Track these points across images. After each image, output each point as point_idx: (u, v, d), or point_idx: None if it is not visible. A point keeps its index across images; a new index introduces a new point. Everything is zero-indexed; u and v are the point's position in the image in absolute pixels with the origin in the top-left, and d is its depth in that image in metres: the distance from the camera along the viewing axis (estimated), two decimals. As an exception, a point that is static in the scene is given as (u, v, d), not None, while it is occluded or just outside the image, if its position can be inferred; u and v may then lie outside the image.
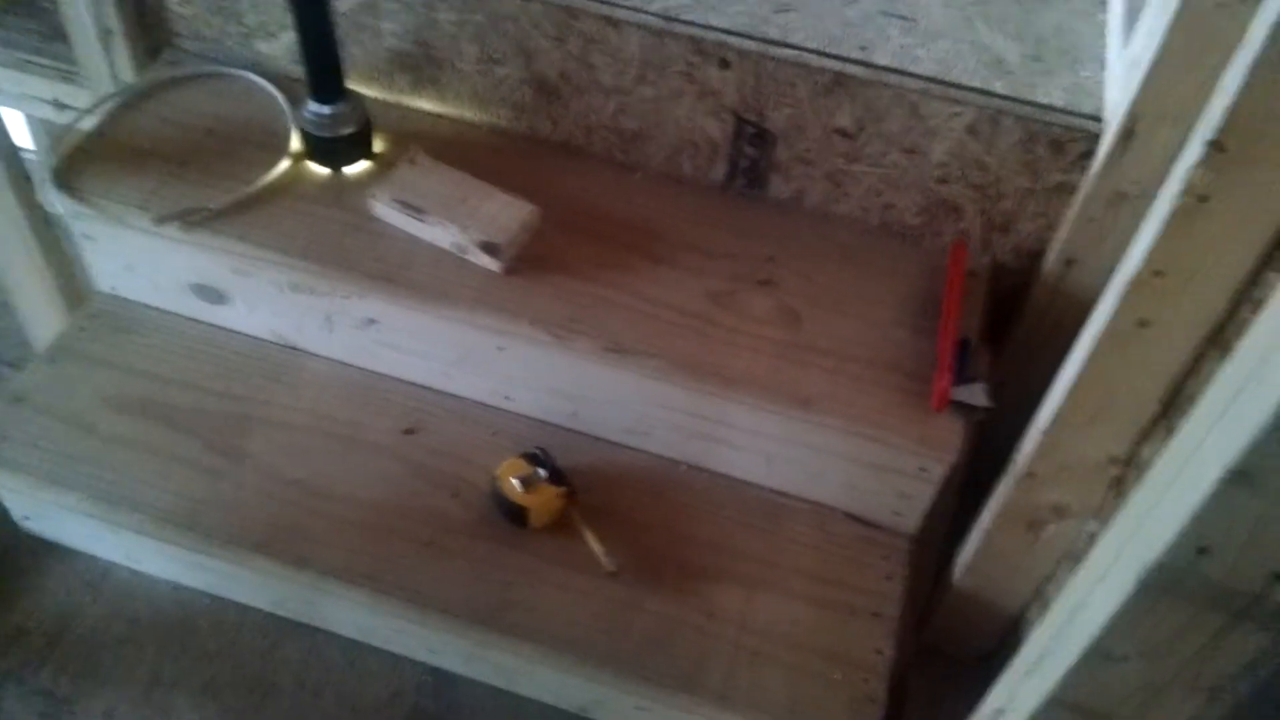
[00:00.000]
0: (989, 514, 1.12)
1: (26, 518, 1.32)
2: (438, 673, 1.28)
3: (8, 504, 1.32)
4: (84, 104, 1.37)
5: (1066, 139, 1.12)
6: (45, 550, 1.34)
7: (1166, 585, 0.64)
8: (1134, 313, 0.87)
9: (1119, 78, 1.10)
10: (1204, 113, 0.77)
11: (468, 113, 1.33)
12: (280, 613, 1.30)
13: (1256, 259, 0.79)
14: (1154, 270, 0.84)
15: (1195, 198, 0.78)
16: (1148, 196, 1.07)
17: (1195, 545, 0.61)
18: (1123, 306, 0.87)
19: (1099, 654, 0.71)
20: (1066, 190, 1.16)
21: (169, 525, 1.19)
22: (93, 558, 1.34)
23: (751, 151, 1.25)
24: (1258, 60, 0.71)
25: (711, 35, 1.16)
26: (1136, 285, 0.85)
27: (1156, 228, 0.82)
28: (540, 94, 1.28)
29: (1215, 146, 0.75)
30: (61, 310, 1.41)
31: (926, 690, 1.28)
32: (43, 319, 1.44)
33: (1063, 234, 1.16)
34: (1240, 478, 0.56)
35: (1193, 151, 0.77)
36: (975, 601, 1.21)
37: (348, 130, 1.24)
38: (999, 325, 1.28)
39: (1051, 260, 1.18)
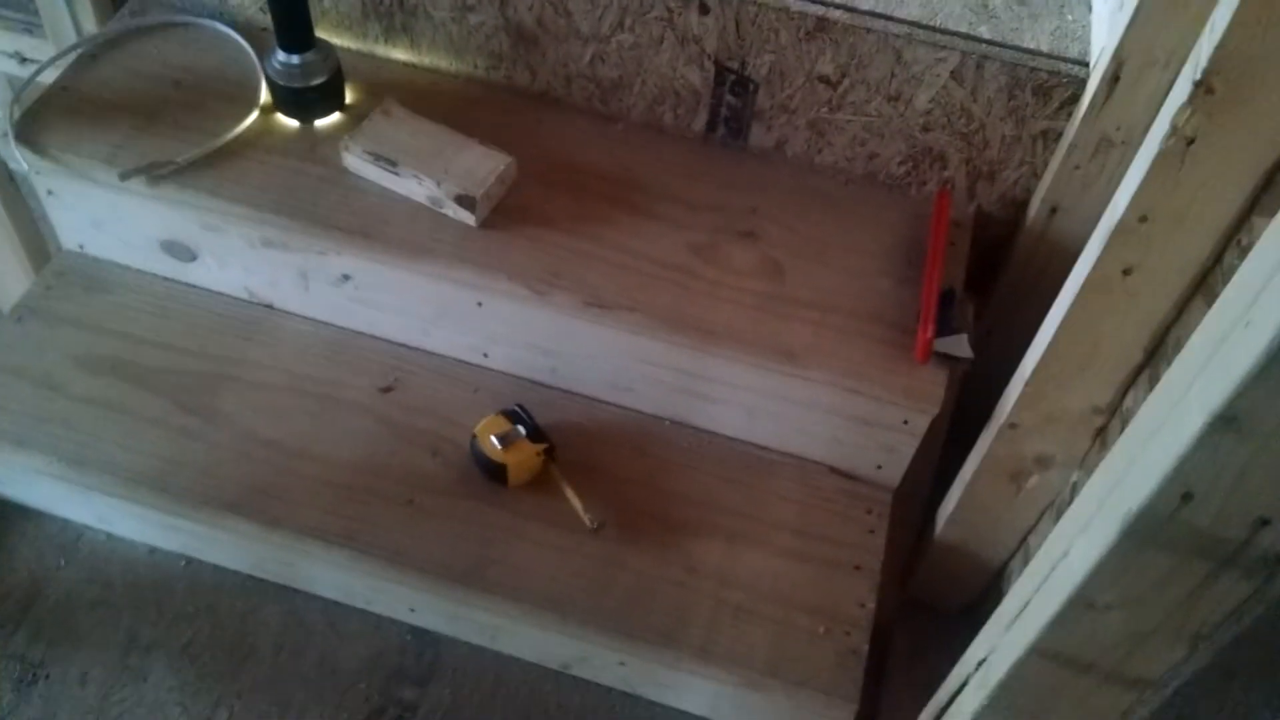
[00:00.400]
0: (971, 465, 1.12)
1: (-2, 481, 1.30)
2: (419, 632, 1.27)
3: (-23, 467, 1.29)
4: (47, 57, 1.33)
5: (1051, 84, 1.10)
6: (16, 514, 1.33)
7: (1150, 533, 0.63)
8: (1118, 260, 0.86)
9: (1104, 21, 1.08)
10: (1191, 54, 0.75)
11: (443, 62, 1.30)
12: (258, 574, 1.28)
13: (1243, 203, 0.78)
14: (1139, 215, 0.82)
15: (1182, 140, 0.76)
16: (1133, 143, 1.05)
17: (1179, 492, 0.60)
18: (1106, 253, 0.85)
19: (1081, 603, 0.70)
20: (1052, 137, 1.14)
21: (140, 486, 1.17)
22: (65, 521, 1.32)
23: (733, 100, 1.22)
24: (1242, 4, 0.68)
25: (690, -21, 1.13)
26: (1121, 231, 0.83)
27: (1142, 172, 0.80)
28: (517, 42, 1.25)
29: (1202, 87, 0.73)
30: (27, 270, 1.38)
31: (910, 643, 1.28)
32: (7, 280, 1.41)
33: (1047, 181, 1.14)
34: (1226, 423, 0.55)
35: (1180, 93, 0.75)
36: (958, 554, 1.20)
37: (318, 81, 1.21)
38: (985, 274, 1.27)
39: (1036, 208, 1.17)
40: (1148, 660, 0.73)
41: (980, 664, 0.88)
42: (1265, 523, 0.60)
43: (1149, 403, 0.65)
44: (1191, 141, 0.76)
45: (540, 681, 1.25)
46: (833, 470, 1.23)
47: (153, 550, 1.31)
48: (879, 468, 1.21)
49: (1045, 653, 0.76)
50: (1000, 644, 0.83)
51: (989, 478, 1.10)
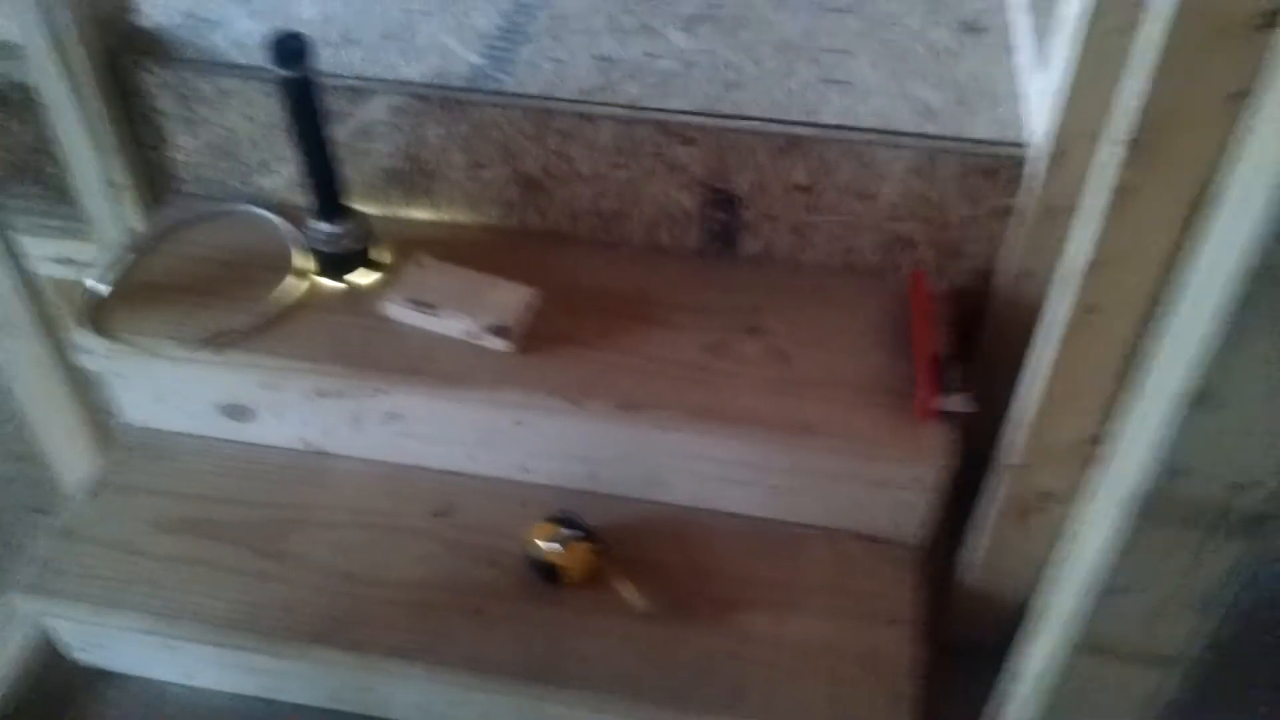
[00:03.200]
0: (989, 510, 1.23)
1: (79, 649, 1.38)
2: (495, 740, 1.34)
3: (61, 637, 1.37)
4: (92, 257, 1.47)
5: (996, 166, 1.26)
6: (100, 679, 1.40)
7: (1149, 510, 0.74)
8: (1084, 301, 0.99)
9: (1037, 108, 1.25)
10: (1117, 118, 0.91)
11: (461, 216, 1.46)
12: (336, 706, 1.36)
13: (1178, 234, 0.92)
14: (1094, 260, 0.96)
15: (1123, 191, 0.91)
16: (1075, 206, 1.21)
17: (1168, 467, 0.72)
18: (1072, 297, 0.99)
19: (1104, 589, 0.81)
20: (1003, 212, 1.30)
21: (228, 630, 1.26)
22: (147, 680, 1.39)
23: (721, 215, 1.38)
24: (1158, 63, 0.84)
25: (675, 118, 1.30)
26: (1082, 275, 0.97)
27: (1095, 223, 0.94)
28: (526, 190, 1.40)
29: (1132, 144, 0.88)
30: (91, 453, 1.49)
31: (947, 689, 1.36)
32: (72, 464, 1.51)
33: (1006, 250, 1.30)
34: (1193, 398, 0.67)
35: (1115, 151, 0.91)
36: (983, 596, 1.30)
37: (353, 243, 1.35)
38: (965, 342, 1.41)
39: (1001, 276, 1.32)
40: (1165, 634, 0.83)
41: (1017, 677, 0.98)
42: (1240, 487, 0.72)
43: (1135, 403, 0.77)
44: (1130, 191, 0.91)
45: (616, 771, 1.32)
46: (859, 535, 1.34)
47: (233, 697, 1.38)
48: (899, 525, 1.32)
49: (1072, 645, 0.86)
50: (1036, 650, 0.93)
51: (1006, 520, 1.21)
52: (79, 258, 1.66)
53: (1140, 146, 0.87)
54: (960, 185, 1.29)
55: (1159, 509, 0.75)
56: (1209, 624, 0.82)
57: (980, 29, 1.46)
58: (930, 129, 1.29)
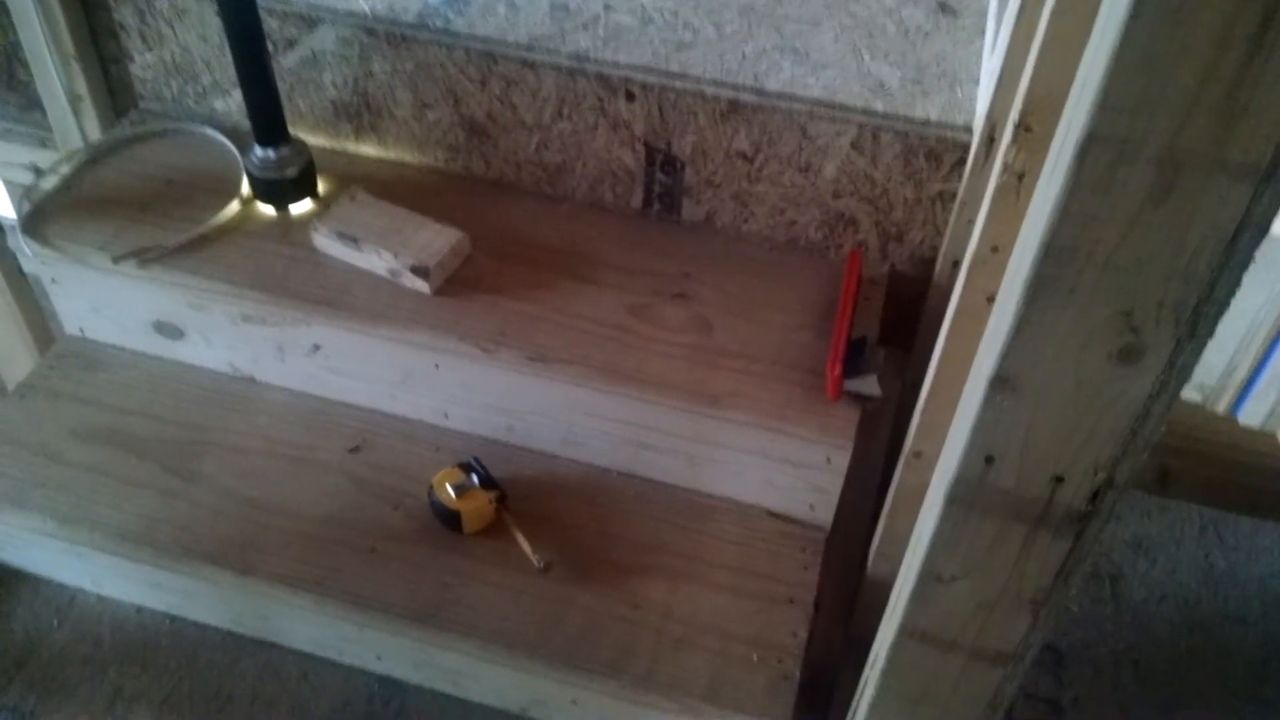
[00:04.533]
0: (889, 498, 1.20)
1: (-2, 548, 1.41)
2: (386, 681, 1.34)
3: (-20, 534, 1.40)
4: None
5: (941, 150, 1.23)
6: (14, 579, 1.42)
7: (968, 498, 0.72)
8: (980, 288, 0.96)
9: (984, 91, 1.21)
10: (1013, 101, 0.87)
11: (408, 156, 1.45)
12: (237, 629, 1.37)
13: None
14: (991, 246, 0.93)
15: (1014, 175, 0.88)
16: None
17: (982, 455, 0.69)
18: (969, 284, 0.96)
19: (931, 576, 0.78)
20: (948, 198, 1.26)
21: (127, 541, 1.27)
22: (59, 585, 1.41)
23: (664, 178, 1.35)
24: (1044, 46, 0.81)
25: (618, 72, 1.28)
26: (978, 262, 0.94)
27: (988, 206, 0.91)
28: (471, 134, 1.39)
29: (1022, 127, 0.85)
30: (33, 357, 1.51)
31: (854, 681, 1.34)
32: (15, 367, 1.54)
33: (946, 238, 1.26)
34: (1001, 383, 0.64)
35: (1006, 135, 0.87)
36: (889, 588, 1.27)
37: (291, 172, 1.35)
38: (907, 330, 1.37)
39: (940, 264, 1.28)
40: (1000, 631, 0.80)
41: (873, 664, 0.95)
42: (1060, 480, 0.69)
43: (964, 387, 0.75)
44: (1021, 176, 0.88)
45: (500, 726, 1.31)
46: (770, 513, 1.32)
47: (140, 610, 1.39)
48: (812, 508, 1.30)
49: (911, 632, 0.83)
50: (883, 634, 0.91)
51: (905, 509, 1.18)
52: (45, 166, 1.67)
53: (1030, 131, 0.84)
54: (904, 167, 1.26)
55: (977, 497, 0.72)
56: (1044, 626, 0.79)
57: (956, 10, 1.41)
58: (879, 106, 1.26)
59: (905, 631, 0.84)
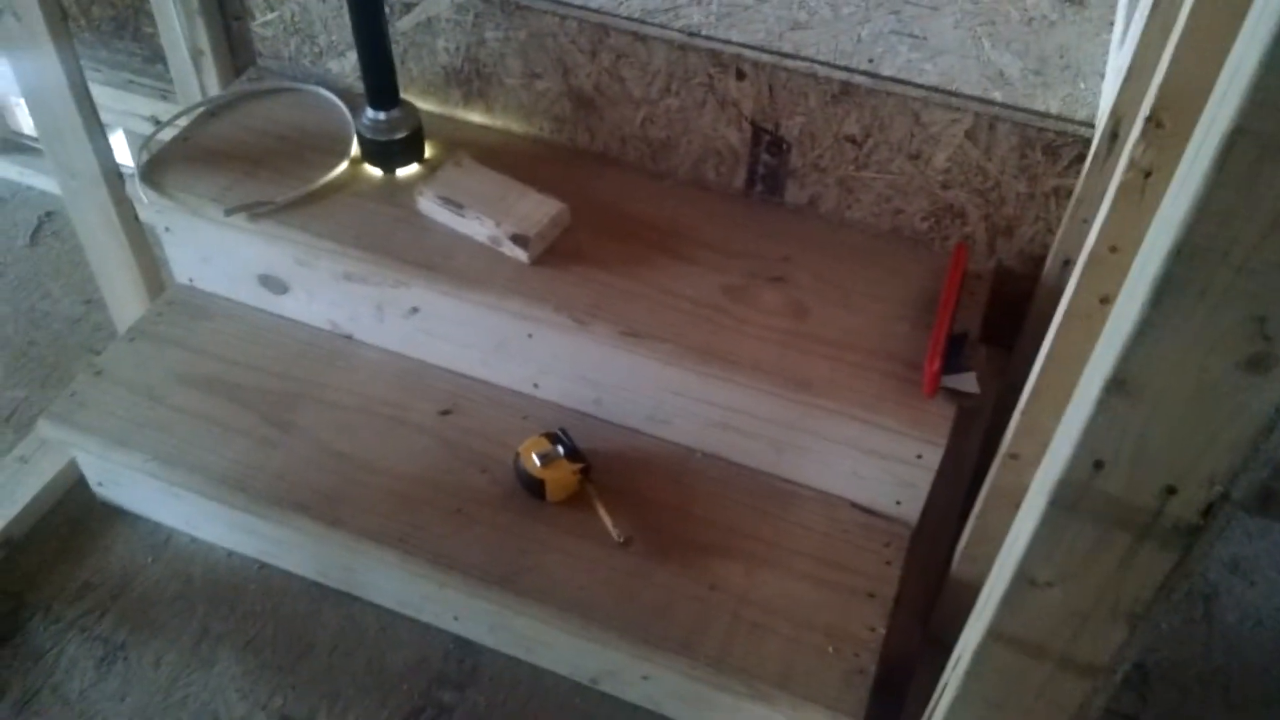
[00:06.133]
0: (981, 498, 1.17)
1: (101, 484, 1.46)
2: (461, 641, 1.36)
3: (85, 469, 1.45)
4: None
5: (1060, 144, 1.19)
6: (115, 515, 1.48)
7: (1071, 502, 0.69)
8: (1095, 289, 0.93)
9: (1110, 86, 1.17)
10: (1146, 94, 0.84)
11: (514, 125, 1.45)
12: (323, 581, 1.40)
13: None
14: (1109, 246, 0.90)
15: (1140, 172, 0.84)
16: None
17: (1091, 459, 0.66)
18: (1083, 284, 0.93)
19: (1024, 580, 0.76)
20: (1063, 194, 1.22)
21: (223, 486, 1.30)
22: (156, 524, 1.47)
23: (769, 159, 1.34)
24: (1180, 40, 0.77)
25: (729, 49, 1.26)
26: (1094, 262, 0.91)
27: (1109, 204, 0.88)
28: (577, 106, 1.39)
29: (1153, 122, 0.82)
30: (144, 303, 1.56)
31: (931, 680, 1.32)
32: (129, 312, 1.59)
33: (1059, 236, 1.22)
34: (1118, 386, 0.62)
35: (1135, 130, 0.84)
36: (973, 588, 1.24)
37: (400, 135, 1.37)
38: (1010, 328, 1.34)
39: (1050, 262, 1.24)
40: (1092, 641, 0.78)
41: (956, 663, 0.93)
42: (1172, 491, 0.66)
43: (1076, 389, 0.72)
44: (1149, 174, 0.84)
45: (570, 694, 1.32)
46: (854, 505, 1.30)
47: (231, 554, 1.44)
48: (898, 503, 1.27)
49: (1000, 636, 0.81)
50: (968, 637, 0.89)
51: (996, 509, 1.15)
52: (165, 118, 1.72)
53: (1161, 126, 0.80)
54: (1019, 159, 1.22)
55: (1081, 502, 0.69)
56: (1140, 641, 0.76)
57: (1083, 1, 1.36)
58: (997, 96, 1.22)
59: (993, 634, 0.81)
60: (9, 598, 1.39)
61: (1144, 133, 0.82)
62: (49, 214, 1.90)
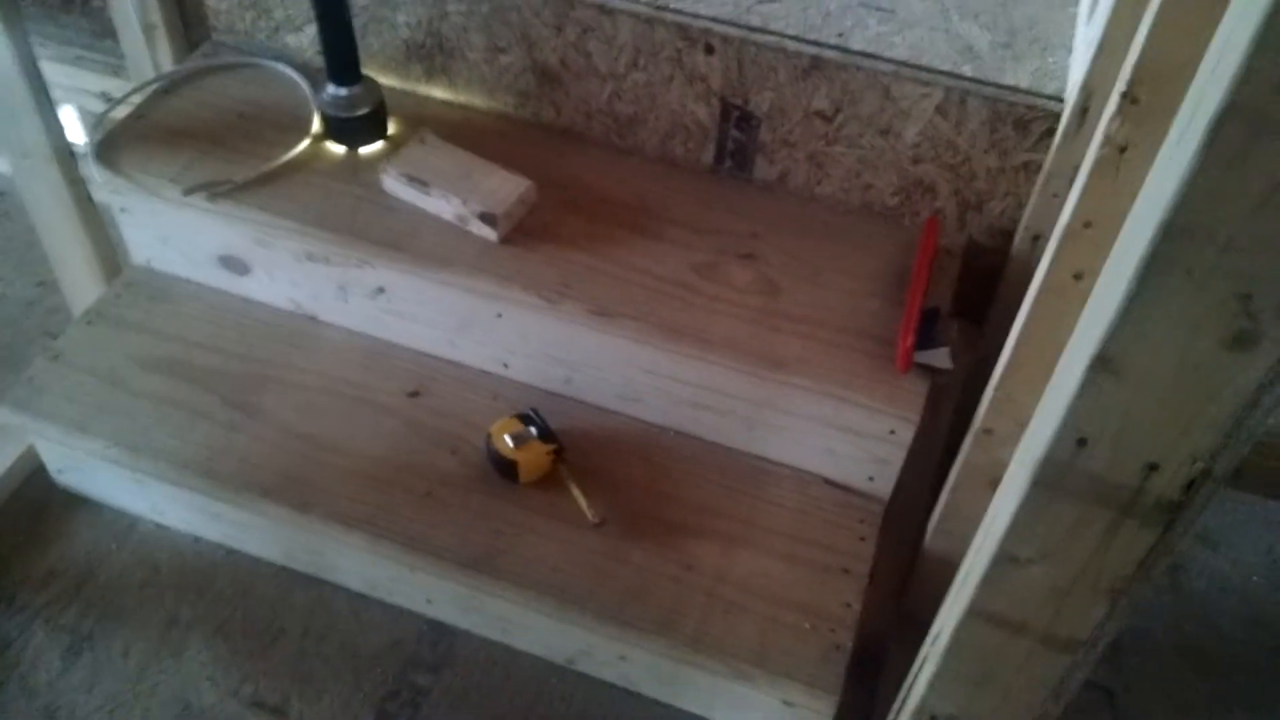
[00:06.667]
0: (953, 474, 1.18)
1: (60, 471, 1.43)
2: (435, 624, 1.35)
3: (44, 456, 1.42)
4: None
5: (1030, 118, 1.18)
6: (77, 503, 1.45)
7: (1054, 480, 0.69)
8: (1069, 265, 0.93)
9: (1079, 59, 1.17)
10: (1118, 69, 0.83)
11: (477, 100, 1.43)
12: (291, 565, 1.38)
13: (1173, 206, 0.85)
14: (1084, 221, 0.90)
15: (1115, 148, 0.84)
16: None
17: (1074, 437, 0.66)
18: (1058, 259, 0.93)
19: (1005, 558, 0.76)
20: (1033, 169, 1.22)
21: (187, 471, 1.28)
22: (120, 511, 1.44)
23: (738, 134, 1.32)
24: (1157, 16, 0.77)
25: (697, 23, 1.25)
26: (1069, 237, 0.91)
27: (1083, 180, 0.88)
28: (542, 81, 1.37)
29: (1128, 98, 0.81)
30: (100, 286, 1.52)
31: (905, 655, 1.32)
32: (84, 294, 1.55)
33: (1030, 210, 1.22)
34: (1103, 364, 0.62)
35: (1110, 105, 0.83)
36: (946, 564, 1.25)
37: (363, 111, 1.34)
38: (982, 302, 1.34)
39: (1020, 236, 1.24)
40: (1073, 617, 0.78)
41: (934, 639, 0.94)
42: (1154, 468, 0.66)
43: (1057, 365, 0.72)
44: (1124, 149, 0.84)
45: (546, 675, 1.32)
46: (827, 482, 1.30)
47: (197, 540, 1.41)
48: (871, 479, 1.28)
49: (980, 613, 0.82)
50: (949, 613, 0.89)
51: (969, 485, 1.16)
52: (117, 95, 1.68)
53: (1136, 102, 0.80)
54: (989, 134, 1.22)
55: (1064, 480, 0.69)
56: (1120, 616, 0.77)
57: (1050, -27, 1.36)
58: (967, 70, 1.22)
59: (973, 611, 0.82)
60: (-32, 590, 1.36)
61: (1120, 109, 0.82)
62: (-2, 194, 1.85)
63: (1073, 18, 1.30)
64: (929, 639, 0.97)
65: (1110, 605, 0.76)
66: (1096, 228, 0.89)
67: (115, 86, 1.67)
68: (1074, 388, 0.64)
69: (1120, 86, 0.82)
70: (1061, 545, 0.74)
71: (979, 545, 0.83)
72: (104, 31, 1.62)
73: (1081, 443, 0.67)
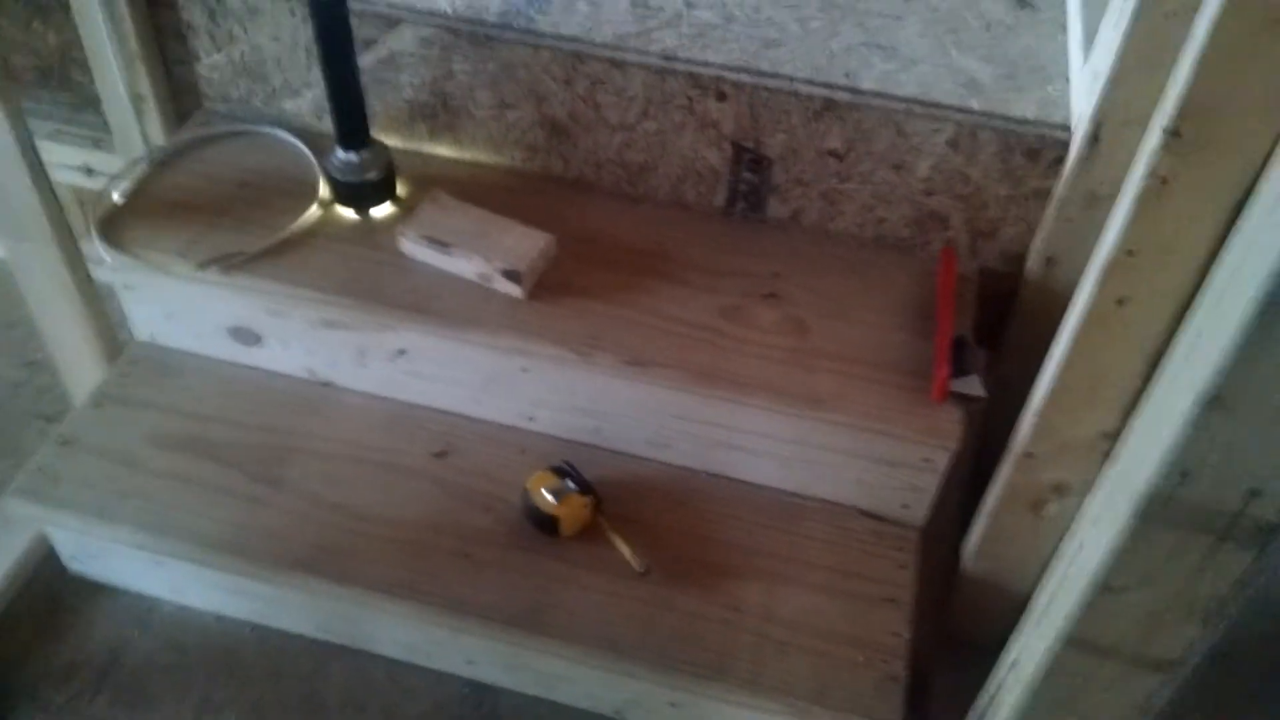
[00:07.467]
0: (993, 497, 1.20)
1: (74, 559, 1.39)
2: (477, 685, 1.34)
3: (57, 545, 1.38)
4: (115, 169, 1.45)
5: (1040, 147, 1.22)
6: (92, 590, 1.40)
7: (1155, 512, 0.71)
8: (1112, 292, 0.96)
9: (1083, 89, 1.20)
10: (1158, 107, 0.86)
11: (484, 156, 1.43)
12: (324, 636, 1.36)
13: (1219, 232, 0.88)
14: (1128, 250, 0.92)
15: (1158, 180, 0.87)
16: (1117, 194, 1.16)
17: (1180, 470, 0.68)
18: (1101, 287, 0.95)
19: (1100, 587, 0.78)
20: (1043, 195, 1.26)
21: (216, 551, 1.25)
22: (139, 595, 1.40)
23: (750, 176, 1.34)
24: (1202, 54, 0.80)
25: (709, 71, 1.26)
26: (1112, 265, 0.94)
27: (1127, 210, 0.90)
28: (551, 134, 1.37)
29: (1172, 133, 0.84)
30: (100, 365, 1.48)
31: (951, 678, 1.34)
32: (81, 374, 1.51)
33: (1042, 235, 1.25)
34: (1215, 402, 0.64)
35: (1153, 139, 0.86)
36: (987, 586, 1.27)
37: (373, 175, 1.33)
38: (994, 326, 1.37)
39: (1033, 261, 1.27)
40: (1164, 639, 0.80)
41: (1012, 666, 0.95)
42: (1256, 493, 0.69)
43: (1148, 399, 0.74)
44: (1166, 181, 0.87)
45: (594, 729, 1.31)
46: (863, 513, 1.32)
47: (220, 618, 1.38)
48: (905, 507, 1.29)
49: (1071, 641, 0.83)
50: (1030, 642, 0.91)
51: (1010, 508, 1.18)
52: (103, 168, 1.64)
53: (1179, 137, 0.83)
54: (1000, 164, 1.25)
55: (1166, 511, 0.71)
56: (1210, 634, 0.79)
57: (1033, 5, 1.40)
58: (974, 103, 1.25)
59: (1064, 640, 0.83)
60: (-11, 689, 1.31)
61: (1163, 143, 0.85)
62: (-27, 274, 1.79)
63: (1062, 46, 1.35)
64: (1004, 665, 0.99)
65: (1203, 625, 0.79)
66: (1139, 255, 0.92)
67: (98, 159, 1.63)
68: (1180, 425, 0.66)
69: (1163, 122, 0.85)
70: (1159, 571, 0.76)
71: (1063, 574, 0.85)
72: (84, 104, 1.59)
73: (1184, 475, 0.69)
